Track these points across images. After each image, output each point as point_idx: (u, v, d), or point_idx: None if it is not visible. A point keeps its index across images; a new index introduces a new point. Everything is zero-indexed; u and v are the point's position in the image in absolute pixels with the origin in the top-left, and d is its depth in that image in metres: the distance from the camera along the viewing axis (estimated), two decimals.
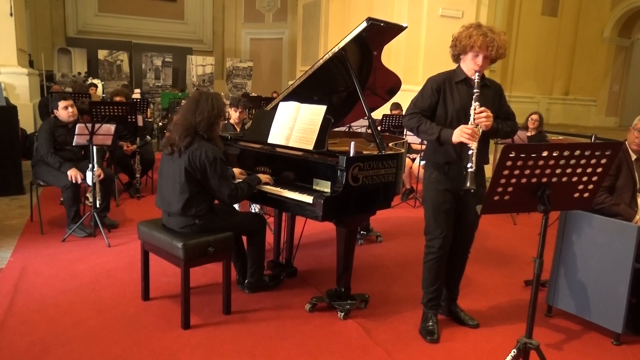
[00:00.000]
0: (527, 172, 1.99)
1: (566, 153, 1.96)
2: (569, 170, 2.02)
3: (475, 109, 2.52)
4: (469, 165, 2.45)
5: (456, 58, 2.76)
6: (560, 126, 13.01)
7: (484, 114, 2.51)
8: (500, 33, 2.63)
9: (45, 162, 4.31)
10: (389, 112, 6.92)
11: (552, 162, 1.98)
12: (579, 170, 2.04)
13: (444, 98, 2.73)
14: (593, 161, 2.02)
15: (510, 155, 1.93)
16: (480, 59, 2.60)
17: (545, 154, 1.95)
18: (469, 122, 2.53)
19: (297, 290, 3.43)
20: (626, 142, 3.16)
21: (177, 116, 3.07)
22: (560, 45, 14.50)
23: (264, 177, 3.13)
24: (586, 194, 2.14)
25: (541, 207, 2.06)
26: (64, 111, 4.44)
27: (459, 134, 2.53)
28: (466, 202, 2.79)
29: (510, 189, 2.03)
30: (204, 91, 3.08)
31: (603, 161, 2.02)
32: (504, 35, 2.65)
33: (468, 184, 2.44)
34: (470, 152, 2.47)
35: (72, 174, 4.19)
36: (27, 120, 7.73)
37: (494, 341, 2.86)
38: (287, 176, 3.16)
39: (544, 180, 2.03)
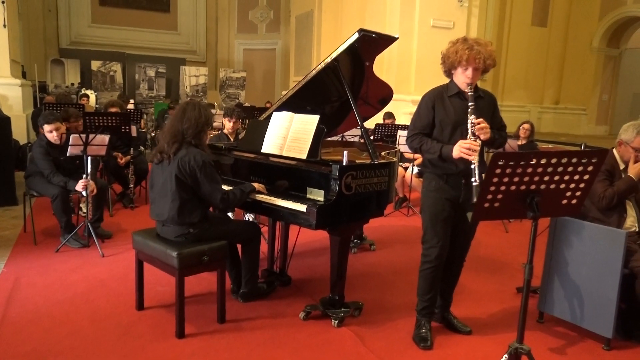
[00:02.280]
0: (516, 179, 2.03)
1: (554, 160, 2.01)
2: (556, 178, 2.07)
3: (472, 122, 2.55)
4: (472, 180, 2.45)
5: (448, 73, 2.81)
6: (551, 135, 13.14)
7: (483, 125, 2.55)
8: (487, 44, 2.67)
9: (51, 182, 4.27)
10: (381, 122, 6.98)
11: (540, 169, 2.02)
12: (566, 178, 2.08)
13: (437, 114, 2.78)
14: (580, 168, 2.06)
15: (500, 163, 1.97)
16: (469, 72, 2.64)
17: (533, 161, 1.99)
18: (468, 136, 2.56)
19: (291, 298, 3.44)
20: (613, 150, 3.21)
21: (166, 125, 3.11)
22: (550, 55, 14.69)
23: (257, 186, 3.16)
24: (574, 201, 2.18)
25: (530, 214, 2.11)
26: (49, 134, 4.35)
27: (458, 150, 2.56)
28: (464, 210, 2.81)
29: (500, 196, 2.07)
30: (192, 100, 3.12)
31: (590, 168, 2.07)
32: (491, 46, 2.70)
33: (475, 199, 2.39)
34: (472, 166, 2.49)
35: (83, 184, 4.19)
36: (20, 131, 7.72)
37: (487, 347, 2.89)
38: (280, 185, 3.19)
39: (533, 187, 2.07)
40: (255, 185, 3.15)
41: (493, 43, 13.27)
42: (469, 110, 2.58)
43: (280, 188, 3.17)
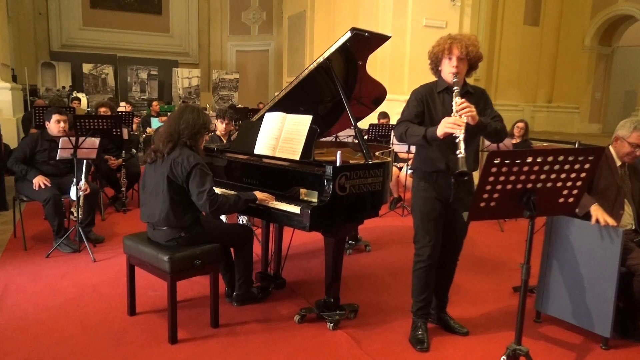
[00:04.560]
0: (512, 178, 2.00)
1: (550, 159, 1.98)
2: (553, 176, 2.04)
3: (456, 103, 2.51)
4: (457, 151, 2.39)
5: (436, 71, 2.82)
6: (544, 133, 13.16)
7: (464, 104, 2.50)
8: (471, 35, 2.73)
9: (12, 168, 4.31)
10: (375, 122, 6.96)
11: (536, 167, 1.99)
12: (563, 176, 2.06)
13: (428, 109, 2.77)
14: (577, 166, 2.04)
15: (495, 161, 1.94)
16: (454, 61, 2.66)
17: (529, 159, 1.97)
18: (452, 114, 2.52)
19: (285, 301, 3.40)
20: (609, 148, 3.19)
21: (162, 127, 3.06)
22: (543, 54, 14.72)
23: (262, 195, 2.99)
24: (571, 199, 2.16)
25: (527, 213, 2.08)
26: (56, 124, 4.38)
27: (443, 126, 2.51)
28: (454, 210, 2.80)
29: (496, 195, 2.04)
30: (190, 104, 3.08)
31: (586, 166, 2.05)
32: (474, 37, 2.75)
33: (460, 167, 2.36)
34: (457, 140, 2.42)
35: (37, 181, 4.16)
36: (10, 135, 7.64)
37: (484, 348, 2.86)
38: (294, 192, 3.10)
39: (529, 186, 2.05)
40: (259, 194, 3.00)
41: (486, 42, 13.23)
42: (454, 93, 2.56)
43: (295, 194, 3.03)
